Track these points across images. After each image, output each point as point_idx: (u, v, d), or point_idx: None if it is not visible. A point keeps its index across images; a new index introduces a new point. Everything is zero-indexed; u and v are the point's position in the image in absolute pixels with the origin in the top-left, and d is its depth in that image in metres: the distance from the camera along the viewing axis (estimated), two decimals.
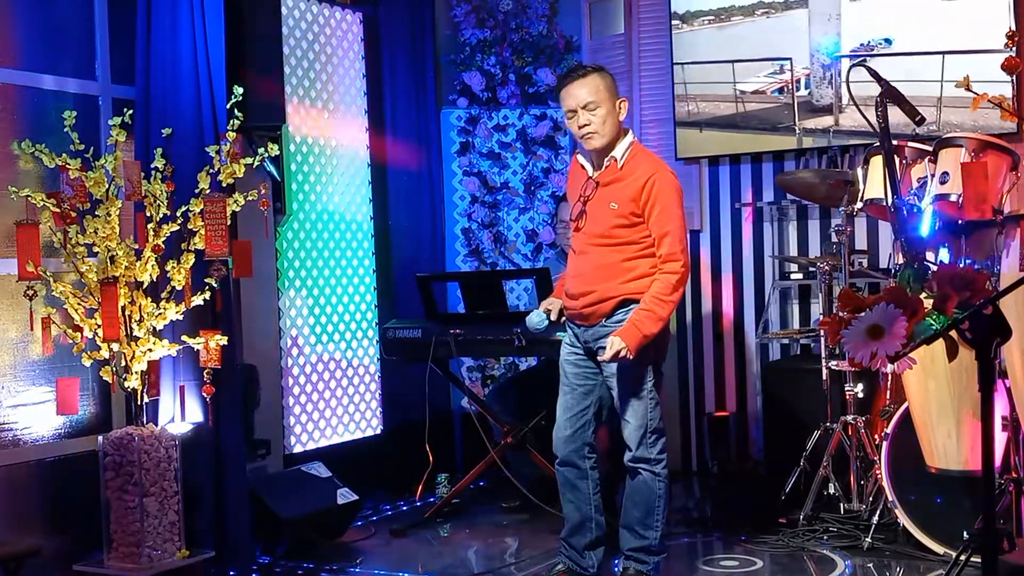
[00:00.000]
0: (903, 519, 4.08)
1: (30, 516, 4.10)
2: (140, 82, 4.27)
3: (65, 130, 3.88)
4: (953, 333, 2.23)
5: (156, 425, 4.07)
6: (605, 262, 3.72)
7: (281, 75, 4.78)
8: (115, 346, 3.90)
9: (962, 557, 3.12)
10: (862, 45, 5.43)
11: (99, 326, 3.86)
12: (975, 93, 3.66)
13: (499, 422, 5.07)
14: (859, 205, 4.34)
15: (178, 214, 4.01)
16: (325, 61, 5.46)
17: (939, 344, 2.27)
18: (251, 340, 4.87)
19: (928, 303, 2.27)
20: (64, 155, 3.86)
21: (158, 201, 3.97)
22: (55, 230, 3.88)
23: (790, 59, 5.63)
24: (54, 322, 3.85)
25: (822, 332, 4.69)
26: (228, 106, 4.14)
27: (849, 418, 4.55)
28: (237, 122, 4.10)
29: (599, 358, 3.70)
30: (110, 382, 3.98)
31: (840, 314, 2.33)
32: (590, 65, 3.87)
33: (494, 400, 5.28)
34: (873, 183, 4.18)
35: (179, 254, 4.03)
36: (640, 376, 3.72)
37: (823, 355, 4.70)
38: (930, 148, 4.04)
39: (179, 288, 4.01)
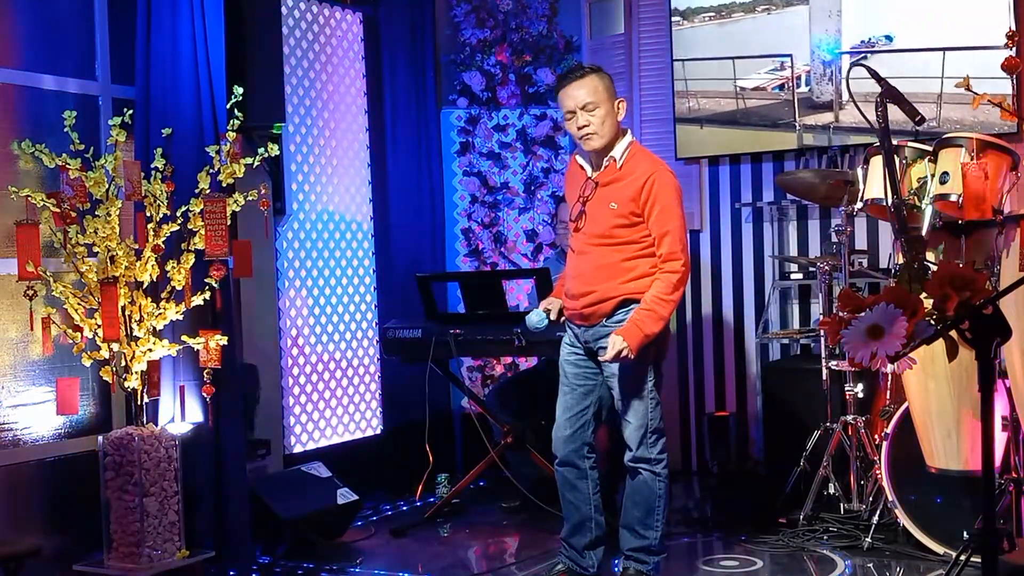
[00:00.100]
0: (903, 519, 4.08)
1: (30, 516, 4.10)
2: (140, 82, 4.27)
3: (65, 130, 3.88)
4: (953, 333, 2.23)
5: (156, 425, 4.07)
6: (605, 262, 3.72)
7: (281, 75, 4.78)
8: (115, 346, 3.90)
9: (962, 557, 3.12)
10: (863, 42, 5.44)
11: (99, 326, 3.86)
12: (975, 93, 3.66)
13: (499, 422, 5.07)
14: (859, 205, 4.33)
15: (178, 214, 4.01)
16: (325, 61, 5.46)
17: (939, 344, 2.27)
18: (251, 340, 4.87)
19: (928, 303, 2.27)
20: (64, 155, 3.86)
21: (158, 201, 3.97)
22: (55, 230, 3.88)
23: (791, 56, 5.63)
24: (54, 322, 3.85)
25: (822, 332, 4.69)
26: (228, 106, 4.14)
27: (849, 418, 4.55)
28: (237, 122, 4.10)
29: (600, 358, 3.70)
30: (110, 382, 3.98)
31: (840, 314, 2.32)
32: (588, 66, 3.87)
33: (494, 400, 5.28)
34: (873, 183, 4.18)
35: (179, 254, 4.03)
36: (641, 376, 3.72)
37: (823, 355, 4.70)
38: (930, 148, 4.05)
39: (179, 288, 4.01)
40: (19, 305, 4.02)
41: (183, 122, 4.20)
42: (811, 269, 5.40)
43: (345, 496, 4.72)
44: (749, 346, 5.84)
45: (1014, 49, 3.70)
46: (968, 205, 3.78)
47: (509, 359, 5.88)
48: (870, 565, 4.11)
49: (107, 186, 3.91)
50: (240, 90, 4.12)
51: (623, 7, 6.09)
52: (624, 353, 3.56)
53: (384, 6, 5.73)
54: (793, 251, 5.76)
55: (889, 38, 5.36)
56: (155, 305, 3.98)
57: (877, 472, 4.26)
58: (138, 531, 3.88)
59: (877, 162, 4.11)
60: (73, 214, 3.85)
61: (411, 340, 4.89)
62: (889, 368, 2.26)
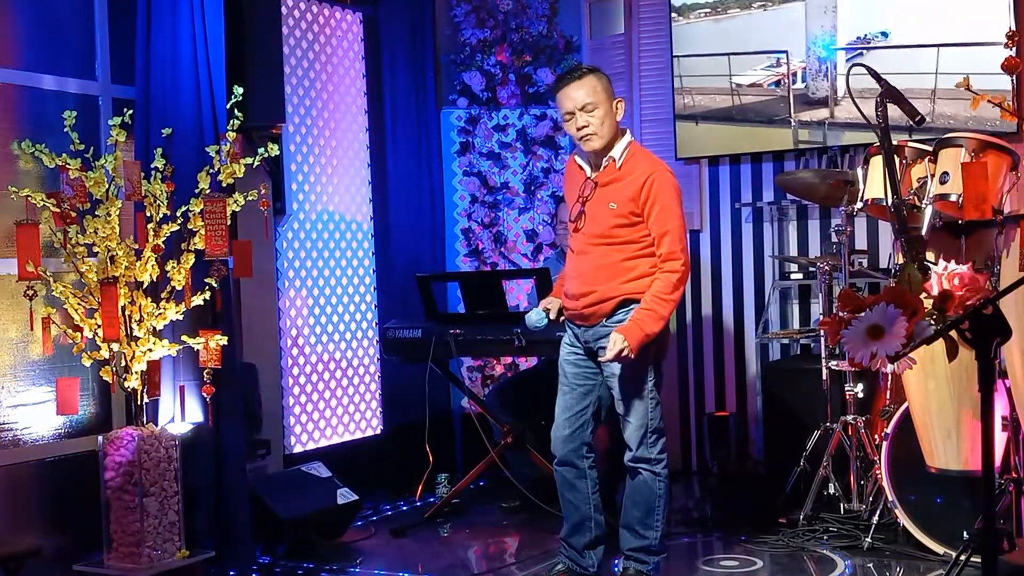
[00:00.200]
0: (903, 519, 4.08)
1: (30, 516, 4.10)
2: (140, 82, 4.26)
3: (65, 130, 3.88)
4: (953, 333, 2.23)
5: (156, 425, 4.07)
6: (605, 262, 3.72)
7: (281, 75, 4.78)
8: (115, 346, 3.90)
9: (962, 557, 3.12)
10: (858, 38, 5.44)
11: (99, 326, 3.86)
12: (975, 93, 3.66)
13: (499, 422, 5.07)
14: (859, 205, 4.33)
15: (178, 214, 4.01)
16: (325, 61, 5.46)
17: (939, 344, 2.27)
18: (251, 340, 4.87)
19: (928, 303, 2.27)
20: (64, 155, 3.86)
21: (158, 201, 3.97)
22: (55, 230, 3.88)
23: (786, 52, 5.63)
24: (54, 322, 3.85)
25: (822, 332, 4.69)
26: (228, 106, 4.14)
27: (849, 418, 4.55)
28: (237, 122, 4.10)
29: (601, 358, 3.70)
30: (110, 382, 3.98)
31: (840, 314, 2.32)
32: (586, 66, 3.87)
33: (494, 400, 5.28)
34: (873, 183, 4.18)
35: (179, 254, 4.03)
36: (641, 376, 3.72)
37: (823, 355, 4.70)
38: (930, 148, 4.05)
39: (179, 288, 4.01)
40: (19, 305, 4.02)
41: (183, 122, 4.20)
42: (811, 269, 5.40)
43: (345, 496, 4.72)
44: (749, 346, 5.84)
45: (1014, 49, 3.70)
46: (968, 205, 3.77)
47: (509, 359, 5.88)
48: (870, 565, 4.11)
49: (107, 186, 3.91)
50: (240, 90, 4.12)
51: (623, 7, 6.09)
52: (624, 352, 3.56)
53: (384, 6, 5.73)
54: (793, 251, 5.76)
55: (885, 34, 5.36)
56: (155, 305, 3.98)
57: (877, 472, 4.26)
58: (138, 531, 3.88)
59: (877, 162, 4.11)
60: (73, 214, 3.85)
61: (411, 340, 4.89)
62: (889, 368, 2.27)
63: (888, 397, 4.40)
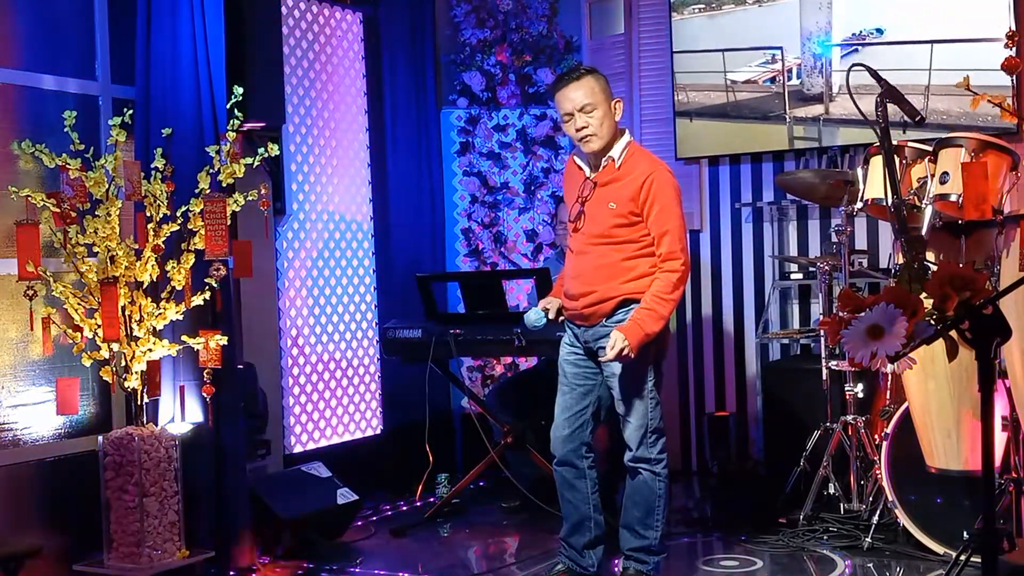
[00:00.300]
0: (903, 519, 4.08)
1: (30, 516, 4.10)
2: (140, 82, 4.26)
3: (65, 130, 3.88)
4: (953, 333, 2.23)
5: (156, 425, 4.07)
6: (605, 262, 3.72)
7: (281, 75, 4.78)
8: (115, 346, 3.90)
9: (962, 557, 3.12)
10: (853, 35, 5.44)
11: (99, 326, 3.86)
12: (975, 93, 3.66)
13: (499, 422, 5.07)
14: (859, 205, 4.33)
15: (178, 214, 4.01)
16: (325, 61, 5.46)
17: (939, 344, 2.27)
18: (251, 340, 4.87)
19: (928, 303, 2.27)
20: (64, 155, 3.86)
21: (158, 201, 3.97)
22: (55, 230, 3.88)
23: (781, 48, 5.63)
24: (54, 322, 3.85)
25: (822, 332, 4.69)
26: (228, 106, 4.14)
27: (849, 418, 4.55)
28: (237, 122, 4.10)
29: (601, 358, 3.70)
30: (110, 382, 3.98)
31: (840, 314, 2.32)
32: (584, 67, 3.86)
33: (494, 400, 5.28)
34: (873, 183, 4.18)
35: (179, 254, 4.03)
36: (641, 376, 3.72)
37: (823, 355, 4.70)
38: (930, 148, 4.05)
39: (179, 288, 4.01)
40: (19, 305, 4.02)
41: (183, 122, 4.19)
42: (811, 269, 5.40)
43: (345, 496, 4.72)
44: (749, 346, 5.84)
45: (1014, 49, 3.70)
46: (968, 205, 3.77)
47: (509, 359, 5.88)
48: (870, 565, 4.11)
49: (107, 186, 3.91)
50: (240, 90, 4.12)
51: (623, 7, 6.09)
52: (625, 351, 3.56)
53: (384, 6, 5.73)
54: (793, 251, 5.76)
55: (880, 31, 5.36)
56: (155, 305, 3.98)
57: (877, 472, 4.26)
58: (138, 531, 3.88)
59: (877, 162, 4.11)
60: (73, 214, 3.85)
61: (411, 340, 4.89)
62: (889, 368, 2.26)
63: (888, 397, 4.40)
